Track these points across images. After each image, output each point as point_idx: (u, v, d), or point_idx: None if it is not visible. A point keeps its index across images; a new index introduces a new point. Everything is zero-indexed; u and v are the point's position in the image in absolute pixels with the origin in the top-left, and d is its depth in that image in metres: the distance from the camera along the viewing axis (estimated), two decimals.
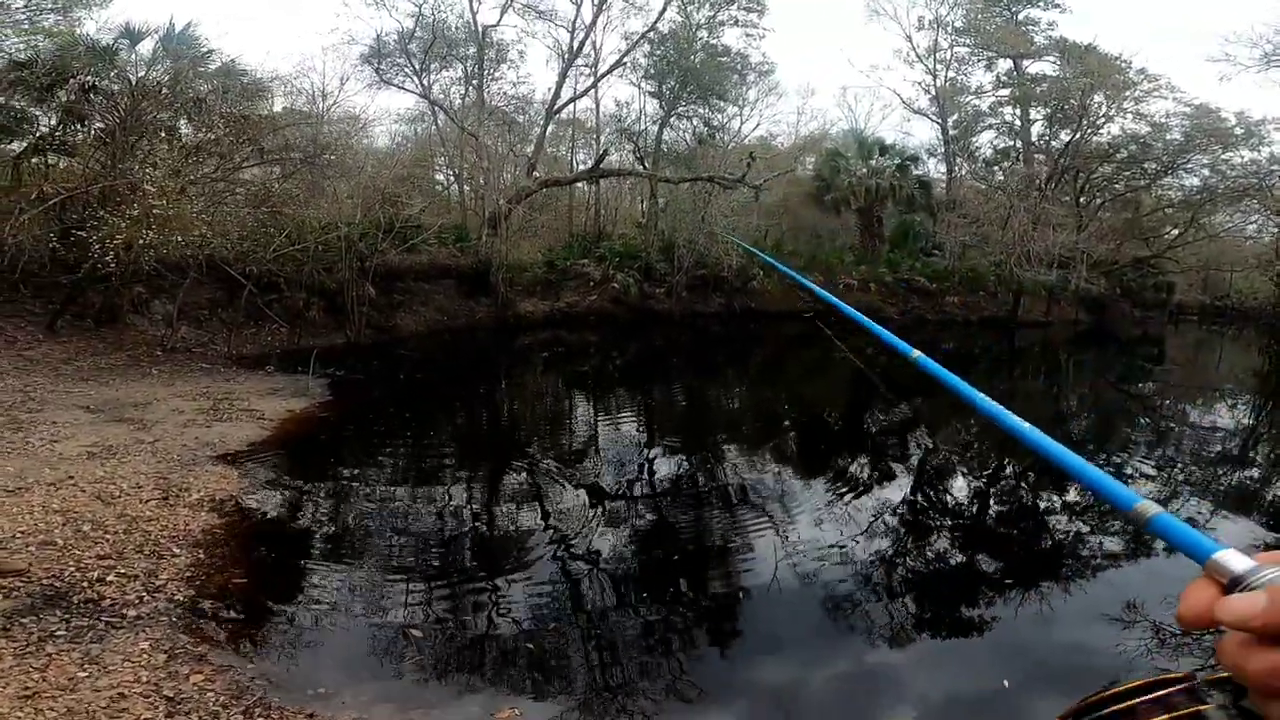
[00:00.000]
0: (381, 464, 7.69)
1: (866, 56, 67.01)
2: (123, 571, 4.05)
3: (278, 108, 16.43)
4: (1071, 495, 7.61)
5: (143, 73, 11.67)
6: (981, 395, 0.74)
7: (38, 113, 11.86)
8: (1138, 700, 0.59)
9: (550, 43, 25.31)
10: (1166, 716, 0.56)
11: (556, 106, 23.25)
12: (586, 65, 24.66)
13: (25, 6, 16.04)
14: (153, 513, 5.03)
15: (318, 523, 5.76)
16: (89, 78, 11.00)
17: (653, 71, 24.69)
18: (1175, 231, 28.53)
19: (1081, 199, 26.93)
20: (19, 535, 4.35)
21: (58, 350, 11.26)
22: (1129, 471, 8.52)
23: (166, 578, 4.08)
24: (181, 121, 12.69)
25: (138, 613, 3.65)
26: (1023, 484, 8.42)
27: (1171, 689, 0.58)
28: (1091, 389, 16.23)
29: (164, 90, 12.05)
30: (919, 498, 7.59)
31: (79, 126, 11.96)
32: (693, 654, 4.12)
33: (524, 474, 7.79)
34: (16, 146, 11.17)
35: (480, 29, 23.33)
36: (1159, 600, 4.72)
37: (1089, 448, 10.02)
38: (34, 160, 11.84)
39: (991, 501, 7.74)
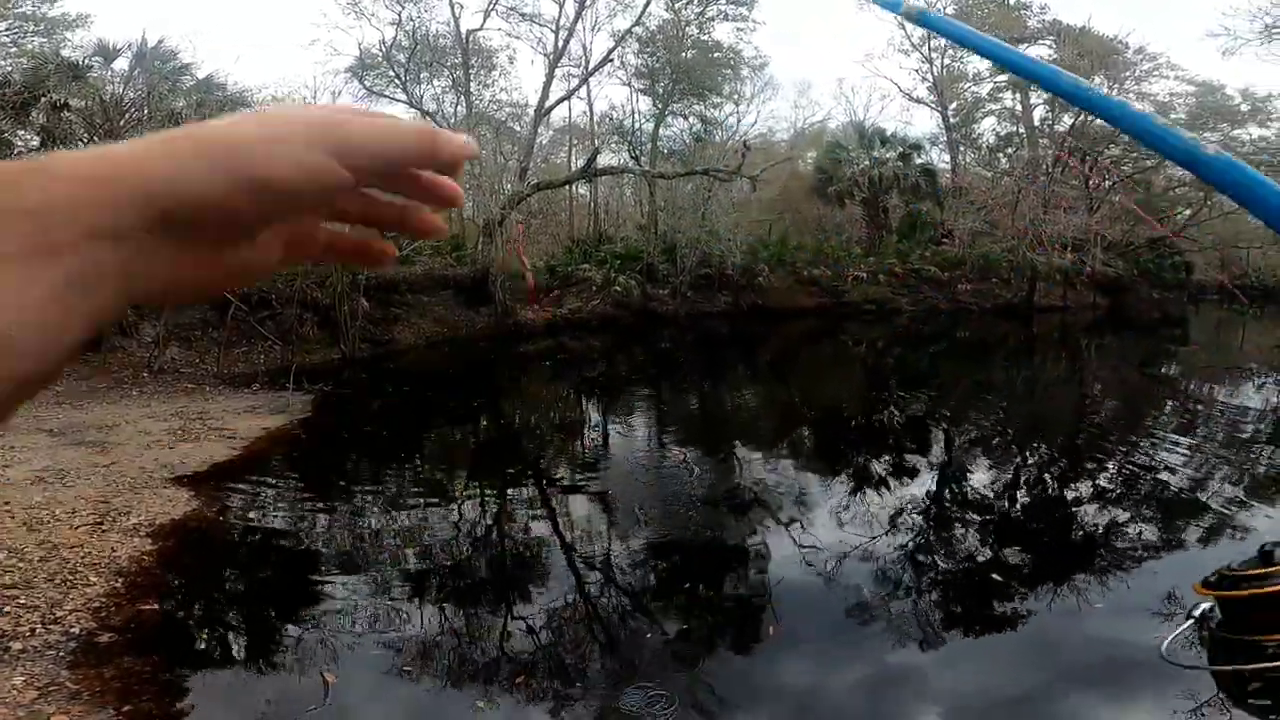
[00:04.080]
0: (351, 483, 7.27)
1: (860, 45, 66.13)
2: (24, 602, 3.63)
3: None
4: (1104, 482, 7.05)
5: (117, 89, 11.42)
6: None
7: (15, 133, 11.62)
8: None
9: (536, 45, 24.99)
10: None
11: (546, 107, 22.94)
12: (577, 67, 24.36)
13: (8, 29, 16.02)
14: (80, 539, 4.60)
15: (262, 547, 5.35)
16: (60, 96, 10.75)
17: (644, 70, 24.31)
18: (1188, 211, 27.79)
19: (1090, 181, 26.22)
20: None
21: None
22: (1160, 456, 7.89)
23: (71, 608, 3.64)
24: None
25: (24, 646, 3.24)
26: (1050, 474, 7.87)
27: None
28: (1115, 373, 15.51)
29: (143, 107, 11.83)
30: (943, 492, 7.11)
31: (56, 146, 11.73)
32: (711, 659, 3.95)
33: (521, 487, 7.41)
34: None
35: (464, 34, 23.06)
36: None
37: (1115, 435, 9.37)
38: None
39: (1019, 494, 7.22)
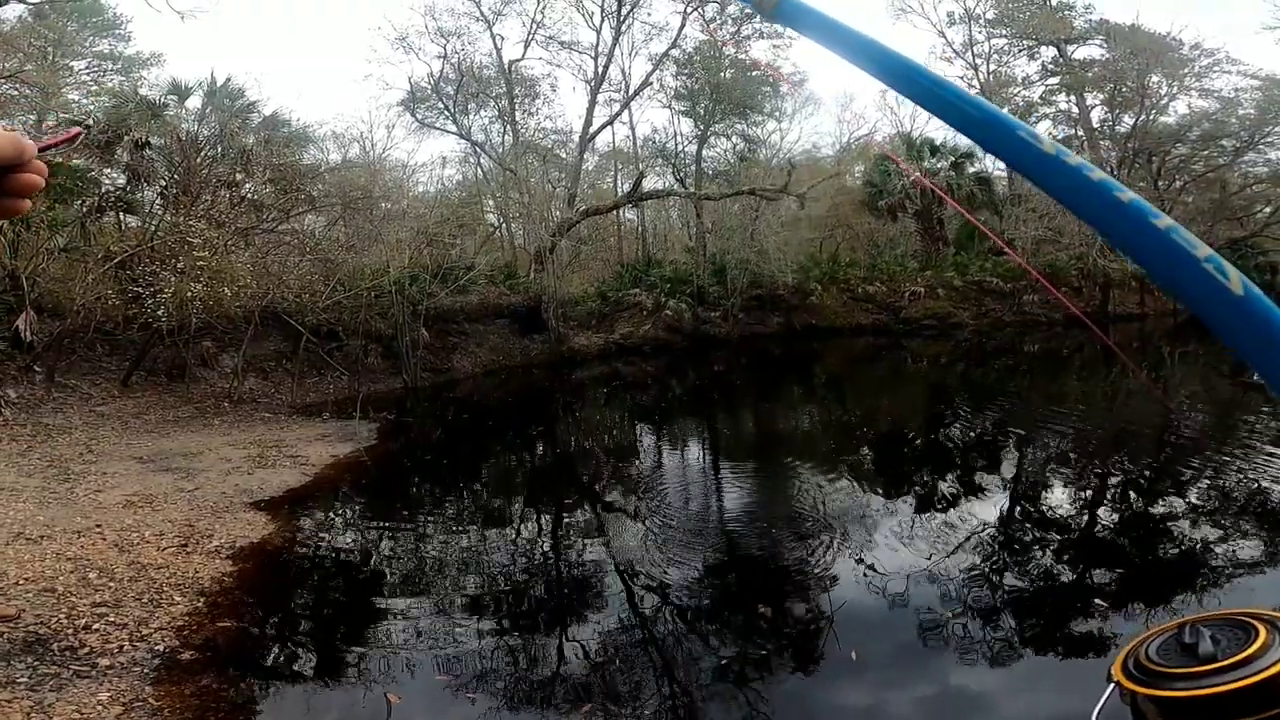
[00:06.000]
0: (415, 508, 7.45)
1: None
2: (113, 620, 3.82)
3: (334, 158, 17.06)
4: (1195, 499, 6.57)
5: (192, 127, 12.16)
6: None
7: (103, 171, 12.48)
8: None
9: (577, 72, 25.66)
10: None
11: (590, 134, 23.42)
12: (618, 92, 24.83)
13: (88, 68, 17.43)
14: (166, 560, 4.83)
15: (332, 570, 5.50)
16: (141, 134, 11.53)
17: (684, 91, 24.57)
18: (1268, 209, 26.18)
19: (1160, 182, 25.05)
20: (22, 581, 4.22)
21: (130, 405, 11.66)
22: (1256, 469, 7.30)
23: (156, 626, 3.81)
24: (239, 174, 13.18)
25: (111, 662, 3.39)
26: (1133, 490, 7.38)
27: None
28: (1203, 383, 14.55)
29: (216, 144, 12.56)
30: (1014, 511, 6.76)
31: (140, 184, 12.56)
32: (770, 681, 3.86)
33: (580, 511, 7.44)
34: (81, 207, 11.71)
35: (507, 65, 23.83)
36: None
37: (1205, 448, 8.73)
38: (102, 220, 12.43)
39: (1098, 511, 6.80)
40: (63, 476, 7.12)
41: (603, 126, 24.25)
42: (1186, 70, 23.95)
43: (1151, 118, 24.21)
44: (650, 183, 24.48)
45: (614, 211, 24.12)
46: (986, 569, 5.22)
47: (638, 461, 9.95)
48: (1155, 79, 23.81)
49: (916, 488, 7.63)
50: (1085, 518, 6.53)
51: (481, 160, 25.25)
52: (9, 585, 4.14)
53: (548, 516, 7.27)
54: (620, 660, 4.08)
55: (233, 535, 5.60)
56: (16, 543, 4.94)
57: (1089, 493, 7.28)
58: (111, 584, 4.33)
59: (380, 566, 5.61)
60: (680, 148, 26.02)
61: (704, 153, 25.34)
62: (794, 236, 22.77)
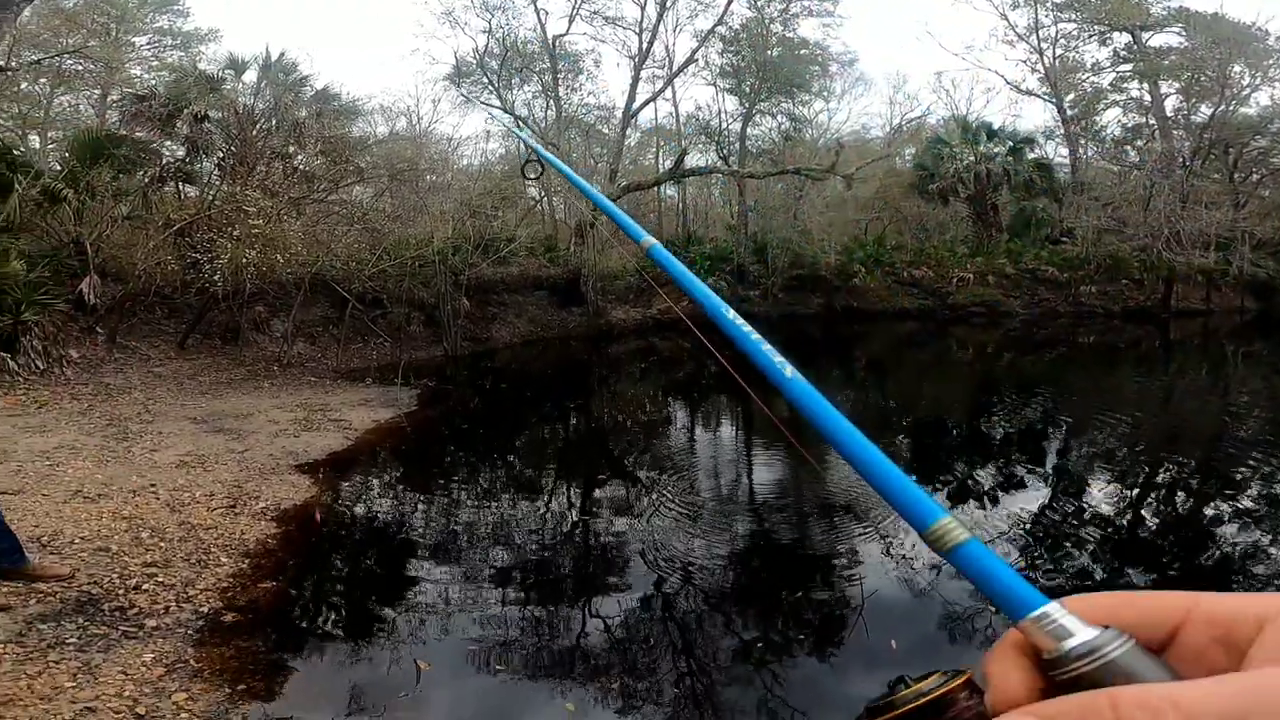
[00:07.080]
0: (451, 475, 7.63)
1: (958, 37, 62.09)
2: (162, 580, 4.02)
3: (382, 131, 17.30)
4: (1245, 502, 6.30)
5: (248, 100, 12.49)
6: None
7: (164, 143, 12.95)
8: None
9: (621, 47, 25.33)
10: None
11: (633, 110, 23.14)
12: (661, 69, 24.43)
13: (149, 43, 18.03)
14: (215, 521, 5.06)
15: (370, 534, 5.67)
16: (200, 108, 11.90)
17: (729, 69, 24.06)
18: None
19: (1236, 175, 23.63)
20: (78, 540, 4.45)
21: (185, 366, 12.18)
22: None
23: (202, 587, 4.00)
24: (292, 146, 13.52)
25: (157, 623, 3.55)
26: (1179, 489, 7.13)
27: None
28: (1266, 383, 13.85)
29: (270, 117, 12.88)
30: (1053, 504, 6.60)
31: (199, 155, 12.99)
32: (790, 668, 3.85)
33: (612, 486, 7.54)
34: (143, 177, 12.20)
35: (551, 40, 23.64)
36: None
37: (1261, 450, 8.25)
38: (162, 189, 12.93)
39: (1141, 509, 6.58)
40: (121, 435, 7.49)
41: (646, 103, 23.96)
42: (1271, 61, 22.81)
43: (1231, 108, 22.92)
44: (692, 160, 24.17)
45: (655, 188, 23.92)
46: (1022, 562, 5.12)
47: (672, 438, 9.99)
48: (1237, 69, 22.63)
49: (953, 477, 7.49)
50: (1128, 517, 6.33)
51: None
52: (64, 544, 4.39)
53: (580, 490, 7.38)
54: (647, 637, 4.13)
55: (278, 497, 5.83)
56: (74, 500, 5.23)
57: (1134, 491, 7.05)
58: (162, 544, 4.56)
59: (415, 533, 5.78)
60: (724, 125, 25.60)
61: (748, 131, 24.84)
62: (839, 217, 22.28)
